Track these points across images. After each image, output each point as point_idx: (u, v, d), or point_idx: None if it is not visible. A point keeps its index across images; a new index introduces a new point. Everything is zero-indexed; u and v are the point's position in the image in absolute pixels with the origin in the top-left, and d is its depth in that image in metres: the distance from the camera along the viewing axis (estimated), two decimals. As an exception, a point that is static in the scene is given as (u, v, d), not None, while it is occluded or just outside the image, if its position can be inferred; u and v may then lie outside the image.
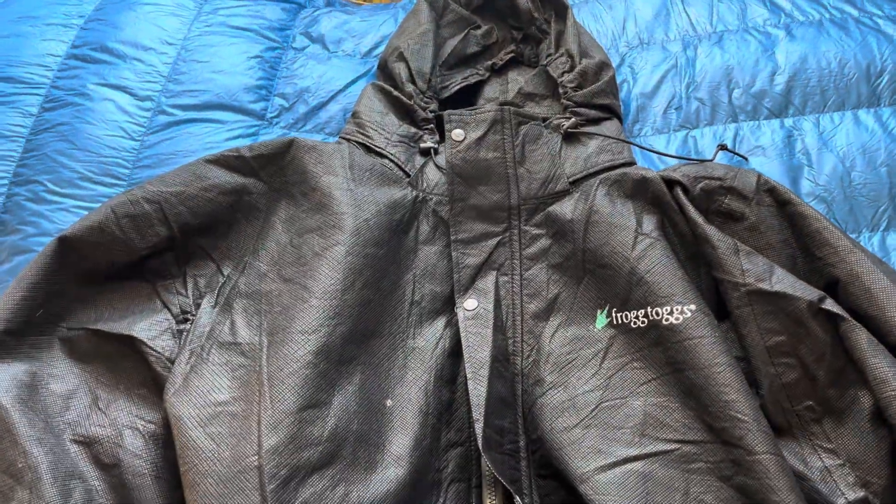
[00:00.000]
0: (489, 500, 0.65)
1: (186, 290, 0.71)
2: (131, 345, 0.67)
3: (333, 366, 0.63)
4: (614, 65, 0.85)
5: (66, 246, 0.67)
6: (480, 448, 0.60)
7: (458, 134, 0.74)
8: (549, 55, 0.84)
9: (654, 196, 0.70)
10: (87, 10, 0.89)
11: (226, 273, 0.71)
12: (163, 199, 0.69)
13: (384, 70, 0.83)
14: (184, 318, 0.69)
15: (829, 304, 0.61)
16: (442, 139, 0.78)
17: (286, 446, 0.58)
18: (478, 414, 0.61)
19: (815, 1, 0.88)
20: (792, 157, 0.77)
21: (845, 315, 0.60)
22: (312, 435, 0.60)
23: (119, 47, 0.85)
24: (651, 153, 0.79)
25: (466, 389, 0.68)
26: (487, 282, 0.71)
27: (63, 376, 0.67)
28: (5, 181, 0.78)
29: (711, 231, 0.66)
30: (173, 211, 0.69)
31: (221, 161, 0.72)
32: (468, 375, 0.64)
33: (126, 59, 0.84)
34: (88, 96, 0.81)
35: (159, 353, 0.67)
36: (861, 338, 0.59)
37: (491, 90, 0.90)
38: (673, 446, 0.61)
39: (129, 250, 0.69)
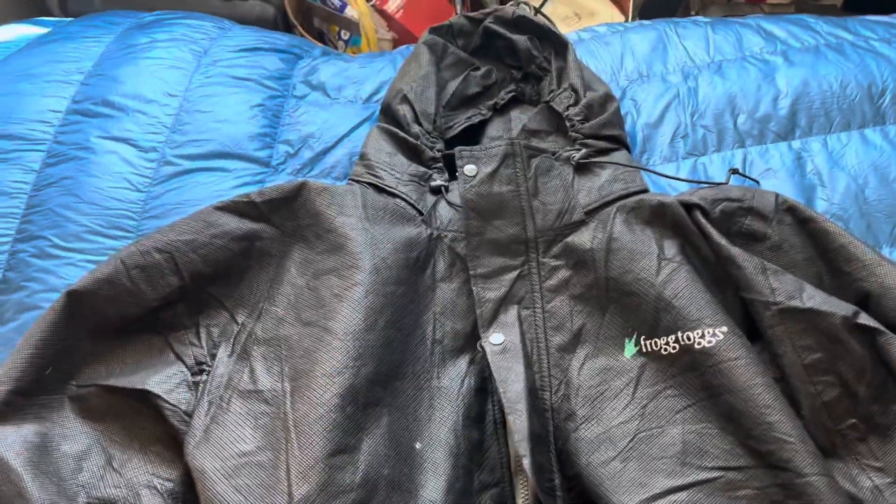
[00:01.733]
0: (528, 542, 0.63)
1: (200, 341, 0.68)
2: (145, 400, 0.65)
3: (360, 409, 0.61)
4: (618, 100, 0.85)
5: (75, 300, 0.65)
6: (533, 482, 0.57)
7: (470, 169, 0.74)
8: (552, 91, 0.84)
9: (673, 221, 0.69)
10: (87, 66, 0.88)
11: (240, 321, 0.69)
12: (173, 247, 0.68)
13: (388, 113, 0.83)
14: (199, 369, 0.67)
15: (864, 319, 0.60)
16: (451, 178, 0.78)
17: (318, 495, 0.56)
18: (524, 449, 0.59)
19: (809, 28, 0.90)
20: (804, 177, 0.77)
21: (882, 328, 0.59)
22: (344, 482, 0.57)
23: (121, 100, 0.84)
24: (663, 180, 0.79)
25: (496, 428, 0.67)
26: (510, 316, 0.70)
27: (75, 436, 0.64)
28: (8, 238, 0.76)
29: (736, 251, 0.65)
30: (184, 259, 0.68)
31: (231, 207, 0.71)
32: (506, 410, 0.61)
33: (128, 112, 0.84)
34: (92, 150, 0.80)
35: (175, 405, 0.64)
36: (901, 351, 0.58)
37: (494, 129, 0.90)
38: (716, 474, 0.59)
39: (139, 302, 0.67)
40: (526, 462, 0.58)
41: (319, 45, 1.15)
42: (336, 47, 1.43)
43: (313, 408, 0.59)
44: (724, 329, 0.62)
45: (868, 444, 0.60)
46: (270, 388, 0.63)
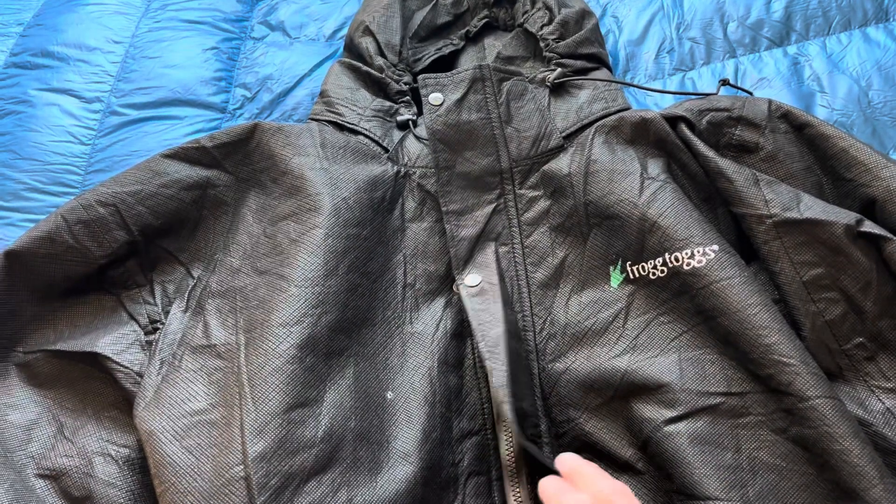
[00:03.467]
0: (513, 493, 0.58)
1: (154, 299, 0.63)
2: (96, 363, 0.60)
3: (322, 359, 0.56)
4: (597, 16, 0.79)
5: (14, 261, 0.60)
6: (516, 431, 0.52)
7: (435, 98, 0.68)
8: (526, 12, 0.78)
9: (656, 137, 0.63)
10: (26, 17, 0.83)
11: (196, 275, 0.64)
12: (118, 200, 0.63)
13: (351, 47, 0.77)
14: (153, 328, 0.62)
15: (869, 226, 0.54)
16: (420, 112, 0.72)
17: (275, 452, 0.51)
18: (504, 396, 0.54)
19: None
20: (801, 84, 0.71)
21: (889, 235, 0.53)
22: (304, 437, 0.52)
23: (61, 50, 0.79)
24: (648, 95, 0.73)
25: (476, 373, 0.62)
26: (487, 254, 0.65)
27: (22, 405, 0.59)
28: (-59, 200, 0.72)
29: (725, 164, 0.59)
30: (131, 212, 0.63)
31: (180, 154, 0.66)
32: (484, 355, 0.56)
33: (69, 62, 0.78)
34: (30, 103, 0.75)
35: (127, 367, 0.59)
36: (911, 257, 0.52)
37: (467, 59, 0.84)
38: (718, 400, 0.53)
39: (85, 260, 0.62)
40: (507, 408, 0.53)
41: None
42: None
43: (268, 360, 0.54)
44: (715, 247, 0.56)
45: (877, 364, 0.54)
46: (224, 342, 0.58)
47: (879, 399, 0.53)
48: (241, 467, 0.50)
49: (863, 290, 0.54)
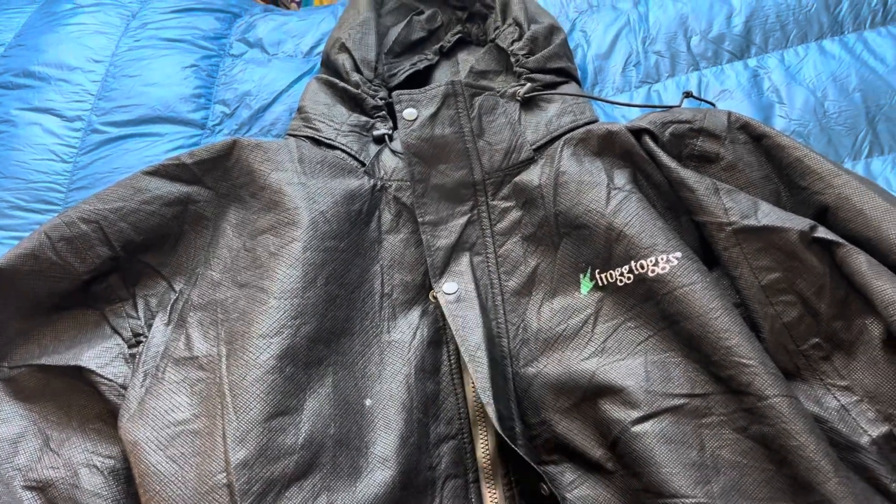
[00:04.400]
0: (489, 495, 0.60)
1: (137, 312, 0.65)
2: (80, 377, 0.62)
3: (301, 369, 0.58)
4: (565, 31, 0.81)
5: (-1, 278, 0.61)
6: (499, 430, 0.54)
7: (409, 113, 0.70)
8: (497, 28, 0.80)
9: (622, 149, 0.65)
10: (8, 38, 0.84)
11: (178, 288, 0.66)
12: (100, 216, 0.64)
13: (327, 64, 0.79)
14: (136, 341, 0.64)
15: (822, 232, 0.57)
16: (395, 127, 0.74)
17: (256, 459, 0.53)
18: (486, 398, 0.56)
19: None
20: (761, 95, 0.74)
21: (840, 240, 0.56)
22: (285, 444, 0.54)
23: (42, 70, 0.80)
24: (616, 111, 0.75)
25: (452, 379, 0.64)
26: (462, 263, 0.67)
27: (8, 419, 0.61)
28: (-73, 220, 0.73)
29: (687, 174, 0.62)
30: (113, 228, 0.64)
31: (161, 171, 0.67)
32: (466, 359, 0.58)
33: (50, 82, 0.79)
34: (12, 122, 0.76)
35: (111, 380, 0.61)
36: (860, 261, 0.54)
37: (441, 74, 0.86)
38: (682, 401, 0.56)
39: (68, 276, 0.63)
40: (490, 410, 0.56)
41: (262, 2, 1.10)
42: (289, 9, 1.38)
43: (249, 370, 0.56)
44: (678, 255, 0.59)
45: (832, 363, 0.57)
46: (206, 354, 0.59)
47: (834, 397, 0.56)
48: (224, 475, 0.52)
49: (817, 293, 0.57)
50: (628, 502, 0.56)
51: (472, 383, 0.61)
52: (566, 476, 0.59)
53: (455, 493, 0.60)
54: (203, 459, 0.53)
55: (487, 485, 0.60)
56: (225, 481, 0.52)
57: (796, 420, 0.51)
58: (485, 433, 0.62)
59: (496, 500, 0.60)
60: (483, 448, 0.61)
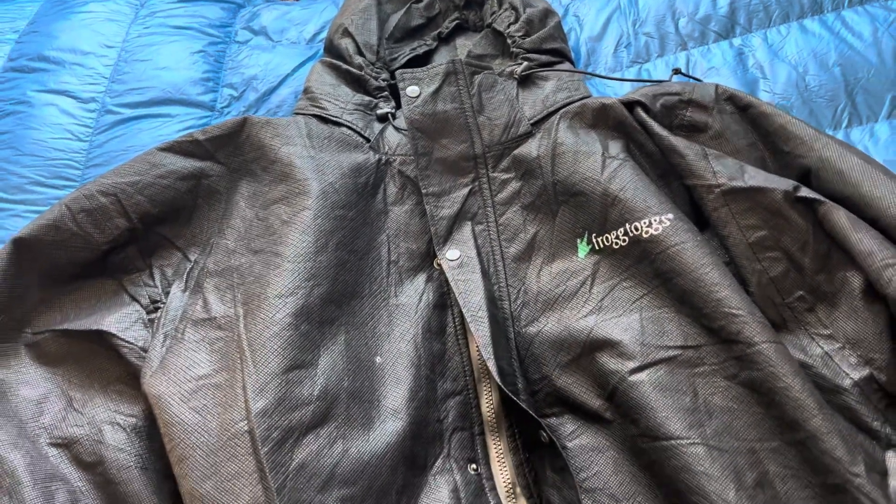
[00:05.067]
0: (494, 446, 0.63)
1: (154, 281, 0.68)
2: (102, 340, 0.64)
3: (315, 327, 0.61)
4: (559, 15, 0.85)
5: (22, 247, 0.64)
6: (500, 381, 0.58)
7: (412, 90, 0.73)
8: (494, 13, 0.84)
9: (616, 121, 0.69)
10: (21, 25, 0.87)
11: (193, 258, 0.68)
12: (118, 189, 0.67)
13: (331, 48, 0.82)
14: (154, 307, 0.66)
15: (805, 191, 0.60)
16: (398, 106, 0.78)
17: (276, 408, 0.56)
18: (487, 353, 0.59)
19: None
20: (746, 72, 0.78)
21: (822, 198, 0.59)
22: (302, 395, 0.57)
23: (57, 55, 0.83)
24: (607, 85, 0.79)
25: (457, 340, 0.67)
26: (464, 232, 0.70)
27: (33, 382, 0.63)
28: (-51, 196, 0.76)
29: (677, 141, 0.66)
30: (131, 201, 0.67)
31: (175, 147, 0.70)
32: (468, 319, 0.62)
33: (65, 65, 0.82)
34: (29, 103, 0.79)
35: (132, 343, 0.64)
36: (840, 217, 0.58)
37: (440, 58, 0.89)
38: (675, 353, 0.59)
39: (88, 246, 0.66)
40: (491, 365, 0.59)
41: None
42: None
43: (266, 327, 0.59)
44: (670, 216, 0.62)
45: (816, 314, 0.60)
46: (223, 315, 0.62)
47: (818, 345, 0.59)
48: (245, 423, 0.55)
49: (801, 248, 0.60)
50: (626, 448, 0.59)
51: (476, 344, 0.64)
52: (567, 427, 0.62)
53: (462, 444, 0.63)
54: (224, 410, 0.56)
55: (492, 437, 0.63)
56: (246, 428, 0.55)
57: (782, 364, 0.55)
58: (489, 389, 0.65)
59: (501, 451, 0.63)
60: (487, 403, 0.64)
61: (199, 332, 0.62)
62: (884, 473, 0.54)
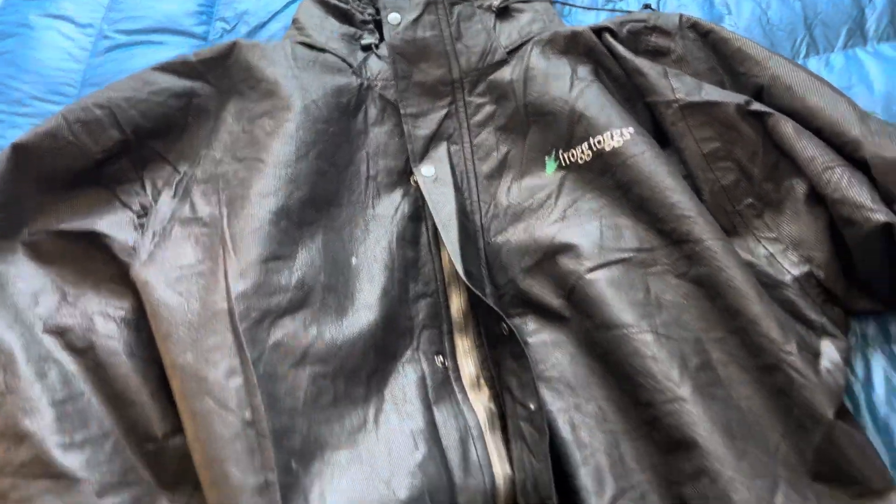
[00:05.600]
0: (461, 343, 0.67)
1: (145, 190, 0.72)
2: (95, 241, 0.68)
3: (294, 226, 0.65)
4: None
5: (21, 152, 0.68)
6: (465, 280, 0.62)
7: (394, 18, 0.77)
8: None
9: (586, 47, 0.73)
10: (23, -43, 0.91)
11: (182, 171, 0.72)
12: (113, 104, 0.71)
13: (319, -14, 0.86)
14: (144, 213, 0.70)
15: (756, 105, 0.64)
16: (382, 39, 0.81)
17: (254, 292, 0.60)
18: (456, 256, 0.63)
19: None
20: (713, 7, 0.82)
21: (771, 111, 0.63)
22: (280, 283, 0.61)
23: (57, -18, 0.87)
24: (582, 22, 0.82)
25: (430, 249, 0.71)
26: (440, 151, 0.74)
27: (29, 277, 0.67)
28: (-51, 106, 0.80)
29: (641, 62, 0.69)
30: (125, 115, 0.71)
31: (168, 68, 0.74)
32: (439, 227, 0.66)
33: (65, -8, 0.87)
34: (30, 26, 0.83)
35: (123, 243, 0.68)
36: (787, 127, 0.62)
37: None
38: (630, 255, 0.63)
39: (83, 155, 0.70)
40: (459, 267, 0.62)
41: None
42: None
43: (248, 223, 0.63)
44: (631, 130, 0.66)
45: (763, 219, 0.64)
46: (209, 214, 0.66)
47: (764, 246, 0.64)
48: (225, 303, 0.59)
49: (751, 158, 0.64)
50: (582, 343, 0.63)
51: (448, 252, 0.68)
52: (529, 325, 0.66)
53: (431, 340, 0.67)
54: (207, 293, 0.60)
55: (459, 335, 0.67)
56: (226, 308, 0.59)
57: (727, 257, 0.59)
58: (458, 293, 0.69)
59: (467, 347, 0.67)
60: (456, 305, 0.68)
61: (185, 230, 0.66)
62: (816, 355, 0.58)
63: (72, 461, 0.60)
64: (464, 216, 0.69)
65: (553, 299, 0.65)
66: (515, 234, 0.69)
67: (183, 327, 0.59)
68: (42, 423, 0.61)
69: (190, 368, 0.57)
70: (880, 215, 0.56)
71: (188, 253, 0.64)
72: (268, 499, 0.53)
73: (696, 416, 0.55)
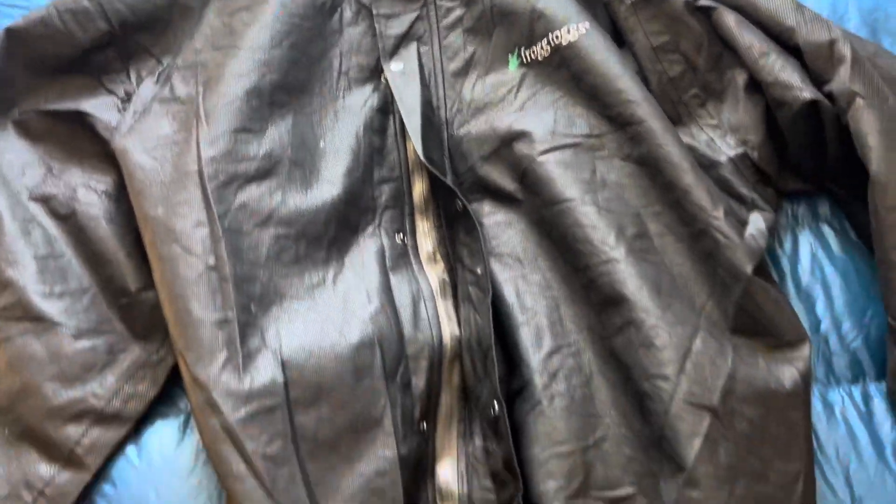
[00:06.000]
0: (420, 223, 0.71)
1: (130, 80, 0.76)
2: (81, 121, 0.72)
3: (265, 105, 0.69)
4: None
5: (13, 36, 0.72)
6: (425, 161, 0.65)
7: None
8: None
9: (550, -44, 0.76)
10: None
11: (165, 63, 0.76)
12: None
13: None
14: (128, 98, 0.74)
15: (703, 1, 0.68)
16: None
17: (223, 157, 0.64)
18: (418, 142, 0.67)
19: None
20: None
21: (715, 5, 0.67)
22: (248, 152, 0.65)
23: None
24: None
25: (396, 140, 0.74)
26: (410, 50, 0.78)
27: (18, 151, 0.72)
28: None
29: (601, -34, 0.73)
30: (112, 7, 0.74)
31: None
32: (403, 115, 0.69)
33: None
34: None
35: (107, 122, 0.72)
36: (730, 19, 0.66)
37: None
38: (580, 140, 0.67)
39: (72, 43, 0.74)
40: (419, 148, 0.66)
41: None
42: None
43: (221, 98, 0.67)
44: (587, 25, 0.69)
45: (706, 108, 0.68)
46: (186, 94, 0.70)
47: (705, 132, 0.67)
48: (196, 165, 0.63)
49: (697, 50, 0.68)
50: (532, 221, 0.68)
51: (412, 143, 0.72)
52: (485, 208, 0.70)
53: (392, 219, 0.71)
54: (179, 158, 0.65)
55: (420, 216, 0.72)
56: (196, 169, 0.63)
57: (666, 136, 0.63)
58: (421, 180, 0.73)
59: (426, 228, 0.71)
60: (419, 191, 0.73)
61: (163, 107, 0.70)
62: (744, 224, 0.62)
63: (51, 308, 0.65)
64: (429, 109, 0.73)
65: (508, 183, 0.69)
66: (476, 126, 0.73)
67: (156, 185, 0.63)
68: (24, 274, 0.66)
69: (160, 220, 0.62)
70: (807, 93, 0.60)
71: (165, 125, 0.68)
72: (226, 332, 0.57)
73: (626, 275, 0.59)
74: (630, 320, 0.58)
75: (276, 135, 0.68)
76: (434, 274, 0.68)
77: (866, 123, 0.59)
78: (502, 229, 0.69)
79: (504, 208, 0.70)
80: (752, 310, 0.58)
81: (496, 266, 0.67)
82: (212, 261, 0.60)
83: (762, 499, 0.54)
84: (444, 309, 0.66)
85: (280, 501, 0.53)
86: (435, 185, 0.71)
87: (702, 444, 0.54)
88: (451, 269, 0.69)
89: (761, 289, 0.58)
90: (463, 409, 0.63)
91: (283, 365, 0.57)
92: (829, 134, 0.63)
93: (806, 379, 0.57)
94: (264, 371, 0.57)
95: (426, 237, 0.71)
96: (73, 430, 0.63)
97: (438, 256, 0.70)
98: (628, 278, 0.59)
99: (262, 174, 0.66)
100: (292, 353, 0.58)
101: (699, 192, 0.60)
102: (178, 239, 0.60)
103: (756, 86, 0.65)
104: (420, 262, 0.69)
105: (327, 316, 0.61)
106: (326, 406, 0.57)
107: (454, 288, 0.68)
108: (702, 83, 0.68)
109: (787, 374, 0.57)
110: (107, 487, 0.63)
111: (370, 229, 0.70)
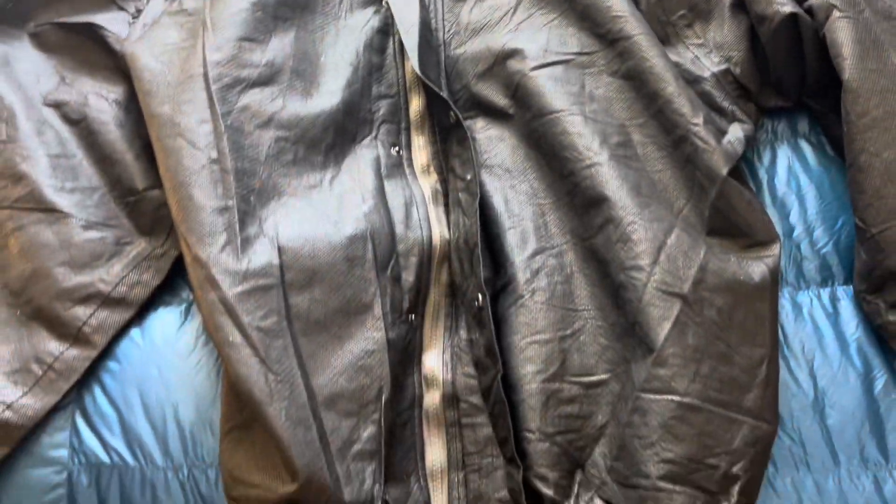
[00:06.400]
0: (416, 139, 0.74)
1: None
2: (93, 34, 0.76)
3: (270, 18, 0.72)
4: None
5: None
6: (420, 75, 0.68)
7: None
8: None
9: None
10: None
11: None
12: None
13: None
14: (139, 14, 0.77)
15: (690, -78, 0.70)
16: None
17: (228, 62, 0.67)
18: (414, 59, 0.69)
19: None
20: None
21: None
22: (252, 59, 0.68)
23: None
24: None
25: (395, 59, 0.77)
26: (410, -23, 0.80)
27: (33, 61, 0.76)
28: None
29: None
30: None
31: None
32: (401, 32, 0.71)
33: None
34: None
35: (118, 35, 0.75)
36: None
37: None
38: (571, 57, 0.69)
39: (85, -36, 0.77)
40: (415, 63, 0.69)
41: None
42: None
43: (227, 9, 0.70)
44: (581, -53, 0.72)
45: (693, 28, 0.70)
46: (194, 7, 0.73)
47: (690, 50, 0.70)
48: (201, 69, 0.66)
49: (685, -30, 0.71)
50: (522, 134, 0.70)
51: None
52: (478, 123, 0.73)
53: (389, 132, 0.73)
54: (185, 62, 0.68)
55: (416, 131, 0.74)
56: (202, 72, 0.66)
57: (651, 49, 0.65)
58: (418, 97, 0.76)
59: (421, 143, 0.74)
60: (415, 107, 0.75)
61: (172, 19, 0.73)
62: (723, 133, 0.64)
63: (62, 200, 0.69)
64: (426, 30, 0.76)
65: (500, 99, 0.72)
66: (472, 46, 0.76)
67: (163, 86, 0.67)
68: (38, 169, 0.69)
69: (166, 116, 0.65)
70: (787, 7, 0.63)
71: (173, 34, 0.71)
72: (226, 218, 0.61)
73: (608, 177, 0.62)
74: (610, 218, 0.61)
75: (278, 46, 0.71)
76: (427, 184, 0.71)
77: (841, 34, 0.61)
78: (494, 143, 0.71)
79: (496, 123, 0.73)
80: (726, 210, 0.61)
81: (486, 177, 0.70)
82: (214, 154, 0.63)
83: (727, 379, 0.57)
84: (435, 214, 0.69)
85: (273, 369, 0.56)
86: (431, 103, 0.74)
87: (671, 327, 0.57)
88: (444, 181, 0.72)
89: (736, 190, 0.60)
90: (450, 305, 0.66)
91: (280, 250, 0.61)
92: (808, 48, 0.65)
93: (774, 274, 0.60)
94: (261, 254, 0.60)
95: (421, 151, 0.74)
96: (81, 311, 0.67)
97: (432, 169, 0.73)
98: (610, 180, 0.62)
99: (265, 80, 0.68)
100: (288, 240, 0.61)
101: (681, 100, 0.63)
102: (182, 133, 0.64)
103: (741, 5, 0.68)
104: (414, 173, 0.72)
105: (323, 212, 0.64)
106: (319, 289, 0.61)
107: (446, 197, 0.71)
108: (689, 4, 0.71)
109: (757, 269, 0.60)
110: (112, 364, 0.67)
111: (367, 140, 0.72)
